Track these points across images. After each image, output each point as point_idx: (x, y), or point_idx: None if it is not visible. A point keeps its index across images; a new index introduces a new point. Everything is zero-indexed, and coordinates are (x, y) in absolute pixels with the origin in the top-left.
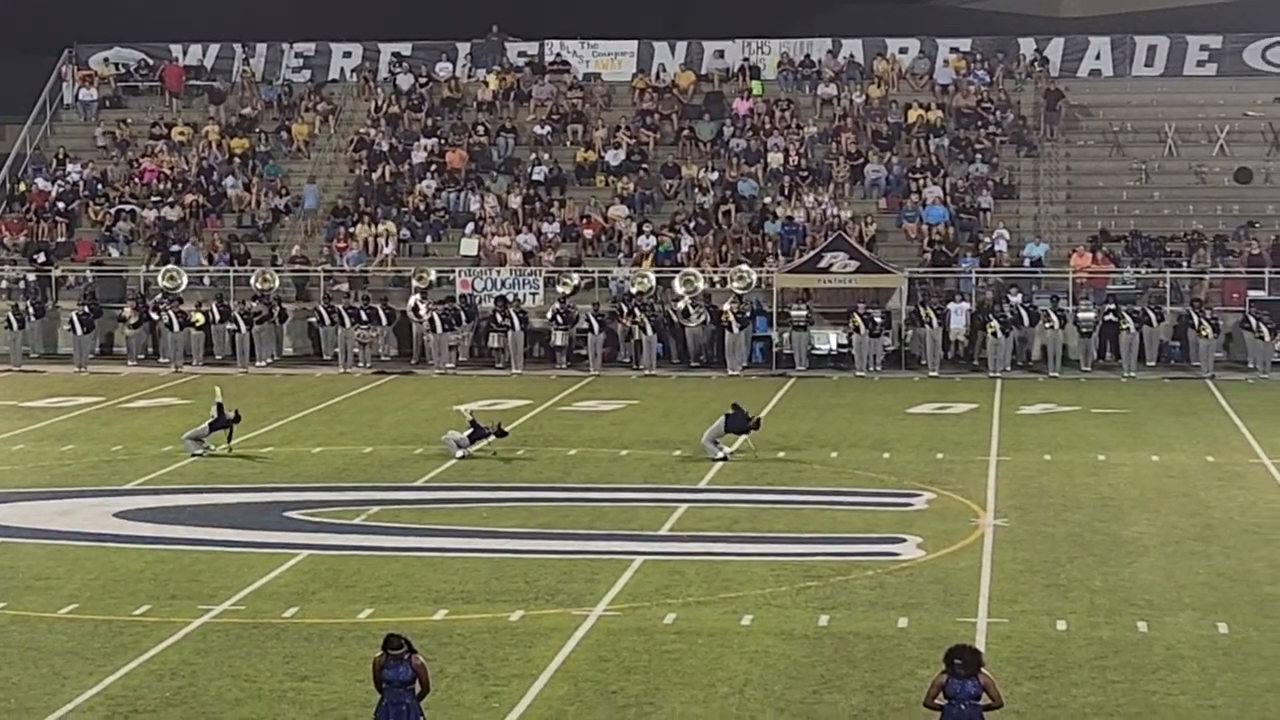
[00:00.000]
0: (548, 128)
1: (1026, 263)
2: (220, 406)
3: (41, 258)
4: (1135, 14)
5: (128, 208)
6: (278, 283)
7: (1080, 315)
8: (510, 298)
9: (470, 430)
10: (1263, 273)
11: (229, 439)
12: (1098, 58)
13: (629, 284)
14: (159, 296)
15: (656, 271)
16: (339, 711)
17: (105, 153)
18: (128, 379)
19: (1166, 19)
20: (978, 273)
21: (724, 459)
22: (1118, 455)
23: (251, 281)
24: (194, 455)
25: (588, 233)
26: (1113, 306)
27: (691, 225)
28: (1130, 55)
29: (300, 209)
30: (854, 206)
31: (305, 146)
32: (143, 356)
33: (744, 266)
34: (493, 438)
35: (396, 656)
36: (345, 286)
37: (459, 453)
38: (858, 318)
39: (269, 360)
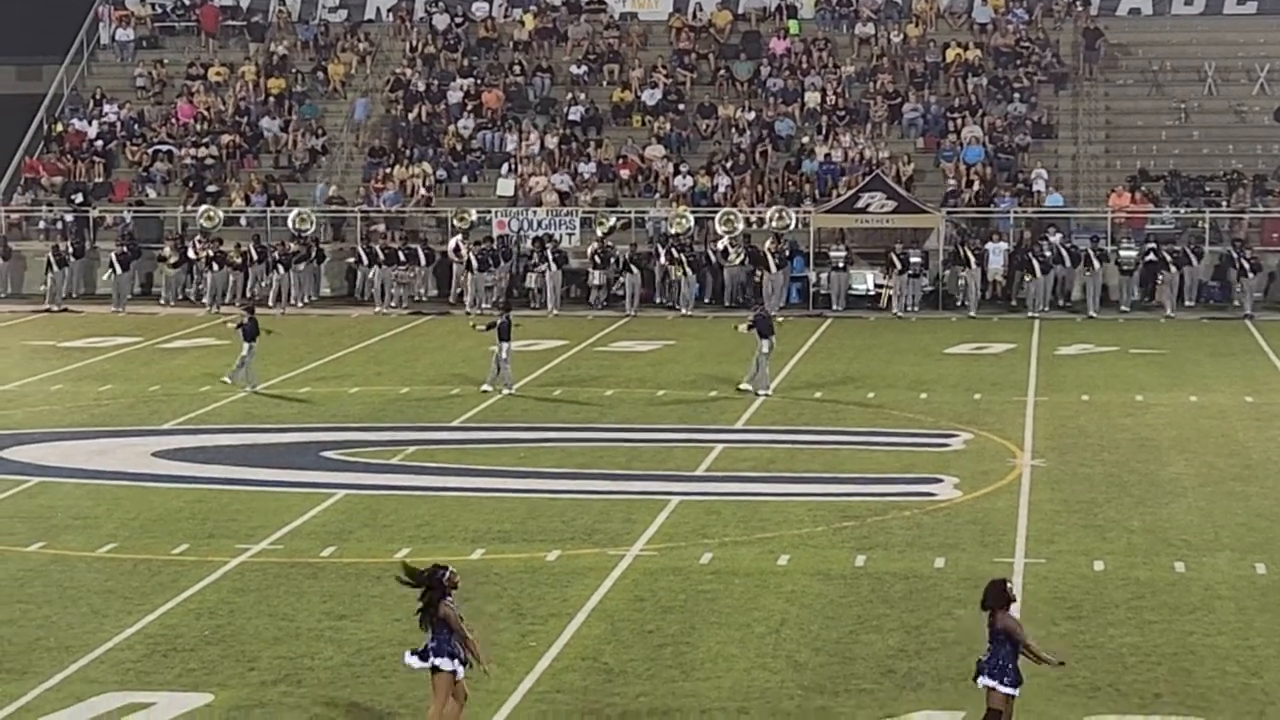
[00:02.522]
0: (584, 67)
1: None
2: (242, 324)
3: (79, 198)
4: None
5: (165, 148)
6: (314, 224)
7: (1122, 254)
8: (547, 238)
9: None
10: None
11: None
12: None
13: (667, 225)
14: (198, 236)
15: (694, 211)
16: (376, 650)
17: (142, 93)
18: (166, 319)
19: None
20: (1016, 213)
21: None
22: (1156, 396)
23: (289, 222)
24: (246, 388)
25: (624, 173)
26: (1153, 246)
27: (728, 165)
28: None
29: (350, 120)
30: (891, 146)
31: (342, 87)
32: (180, 297)
33: (786, 208)
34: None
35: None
36: (382, 227)
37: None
38: (895, 258)
39: (306, 301)
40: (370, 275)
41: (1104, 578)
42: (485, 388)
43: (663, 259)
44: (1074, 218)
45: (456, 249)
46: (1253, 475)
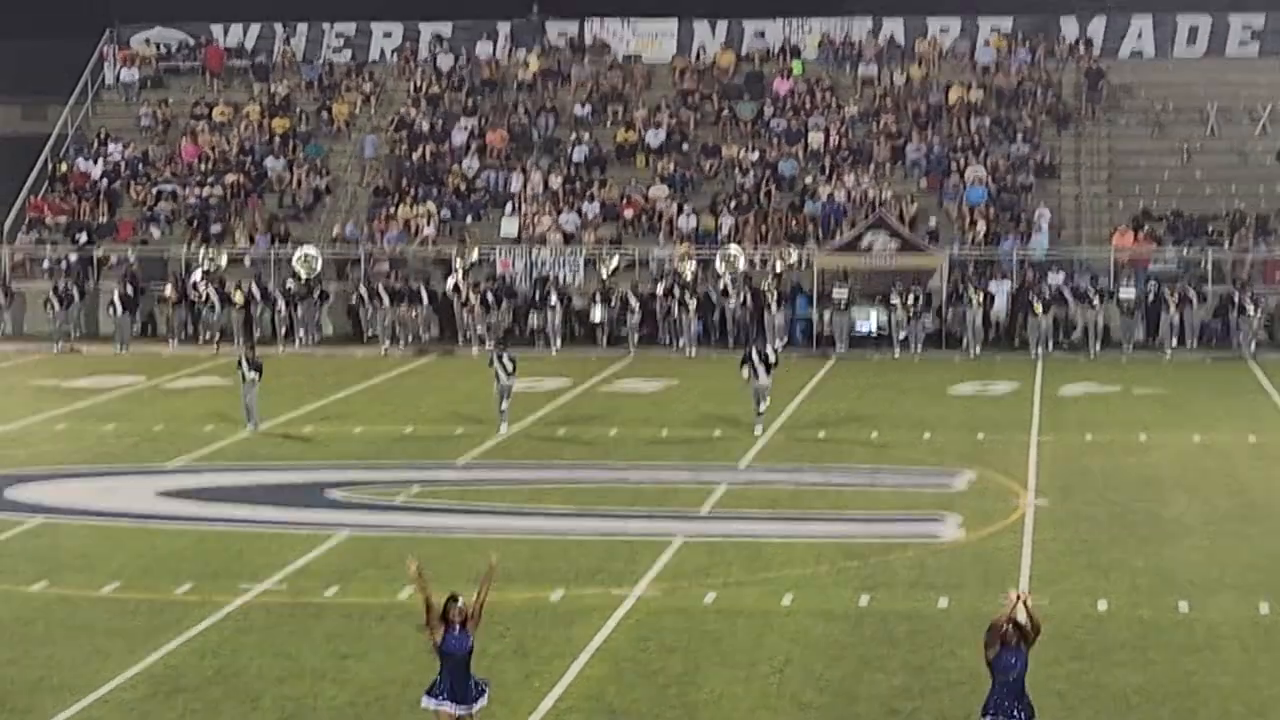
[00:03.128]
0: (588, 108)
1: (1037, 253)
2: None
3: (83, 238)
4: None
5: (169, 188)
6: (320, 264)
7: (1121, 294)
8: (550, 277)
9: None
10: None
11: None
12: (1139, 37)
13: (675, 266)
14: (199, 275)
15: (697, 250)
16: (380, 690)
17: (147, 133)
18: (169, 359)
19: None
20: (1027, 254)
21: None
22: (1159, 435)
23: (294, 263)
24: (249, 426)
25: (628, 213)
26: (1154, 286)
27: (732, 205)
28: (1172, 35)
29: (360, 156)
30: (894, 186)
31: (346, 126)
32: (183, 336)
33: (788, 247)
34: None
35: (462, 620)
36: (386, 267)
37: None
38: (898, 298)
39: (309, 340)
40: (374, 315)
41: (1108, 617)
42: (503, 428)
43: (671, 300)
44: (1077, 258)
45: (456, 287)
46: (1256, 515)
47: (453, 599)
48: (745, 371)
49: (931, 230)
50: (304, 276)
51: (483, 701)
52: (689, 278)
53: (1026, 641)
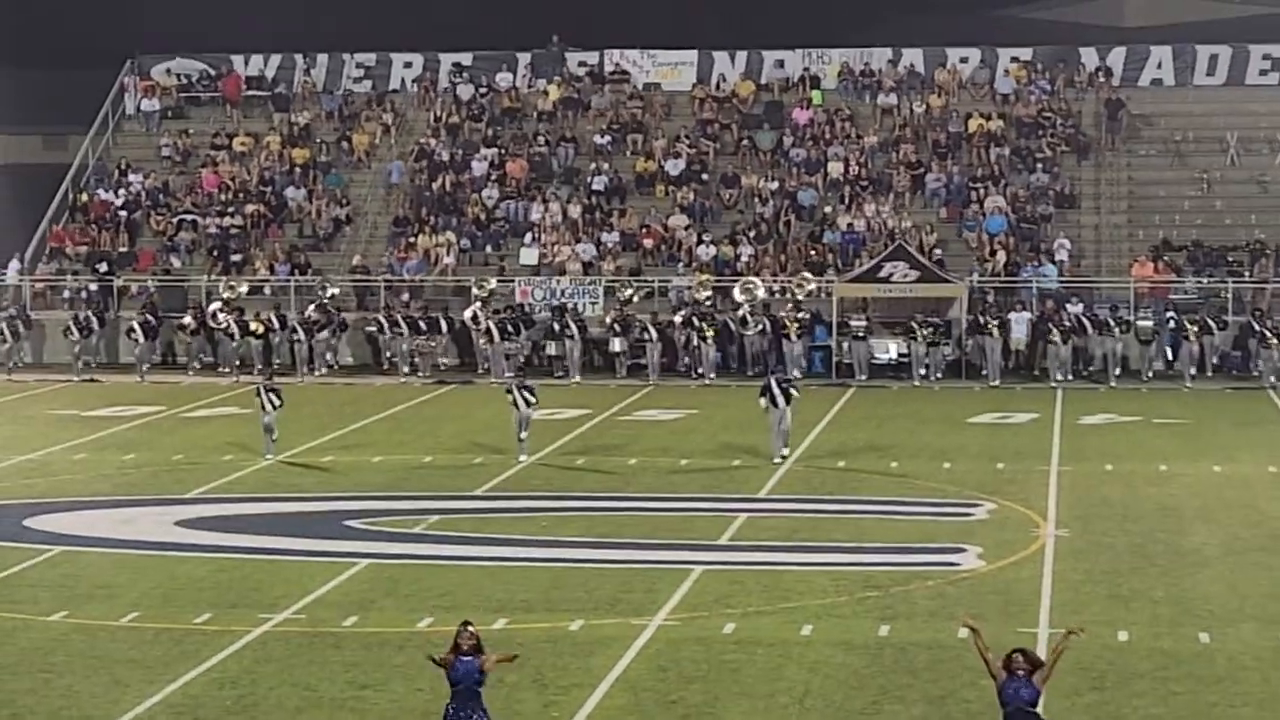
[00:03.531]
0: (608, 137)
1: (1046, 282)
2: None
3: (104, 267)
4: (1197, 23)
5: (189, 218)
6: (338, 290)
7: (1139, 324)
8: (569, 306)
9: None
10: None
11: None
12: (1159, 67)
13: (693, 292)
14: (219, 305)
15: (716, 281)
16: None
17: (167, 163)
18: (189, 388)
19: (1228, 28)
20: (1039, 283)
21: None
22: (1179, 465)
23: (316, 291)
24: (268, 456)
25: (647, 242)
26: (1173, 316)
27: (751, 235)
28: (1192, 65)
29: (385, 181)
30: (914, 216)
31: (366, 156)
32: (199, 365)
33: (806, 274)
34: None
35: (471, 644)
36: (405, 296)
37: None
38: (917, 327)
39: (328, 369)
40: (393, 344)
41: (1128, 648)
42: (522, 458)
43: (688, 328)
44: (1096, 288)
45: (474, 317)
46: (1277, 545)
47: (464, 625)
48: (764, 402)
49: (938, 260)
50: (331, 298)
51: None
52: (704, 300)
53: (1035, 670)
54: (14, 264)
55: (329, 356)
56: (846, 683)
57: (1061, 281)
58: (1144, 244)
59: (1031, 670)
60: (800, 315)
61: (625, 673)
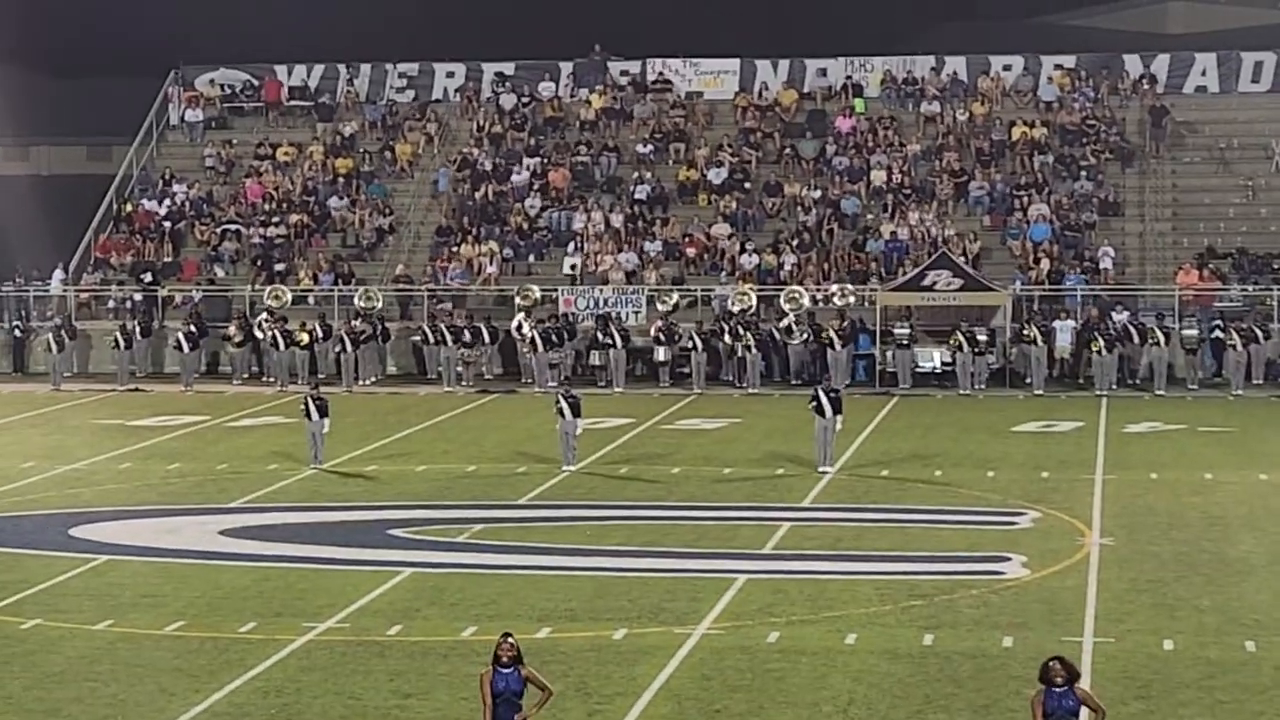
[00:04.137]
0: (650, 146)
1: (1074, 294)
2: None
3: (148, 277)
4: (1241, 30)
5: (233, 228)
6: (381, 302)
7: (1185, 333)
8: (612, 316)
9: None
10: None
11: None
12: (1203, 74)
13: (730, 303)
14: (264, 315)
15: (759, 290)
16: None
17: (211, 173)
18: (233, 398)
19: (1272, 34)
20: (1083, 291)
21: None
22: (1225, 474)
23: (355, 300)
24: (312, 466)
25: (690, 251)
26: (1219, 323)
27: (794, 244)
28: (1236, 71)
29: (434, 189)
30: (957, 224)
31: (409, 166)
32: (246, 375)
33: (842, 285)
34: None
35: (511, 655)
36: (449, 306)
37: None
38: (961, 336)
39: (373, 379)
40: (437, 353)
41: (1174, 657)
42: (566, 468)
43: (726, 337)
44: (1141, 295)
45: (519, 327)
46: None
47: (504, 636)
48: (815, 415)
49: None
50: (370, 310)
51: None
52: (740, 312)
53: (1073, 680)
54: (58, 274)
55: (374, 366)
56: (891, 692)
57: (1103, 289)
58: (1189, 251)
59: (1069, 680)
60: (844, 325)
61: (669, 682)
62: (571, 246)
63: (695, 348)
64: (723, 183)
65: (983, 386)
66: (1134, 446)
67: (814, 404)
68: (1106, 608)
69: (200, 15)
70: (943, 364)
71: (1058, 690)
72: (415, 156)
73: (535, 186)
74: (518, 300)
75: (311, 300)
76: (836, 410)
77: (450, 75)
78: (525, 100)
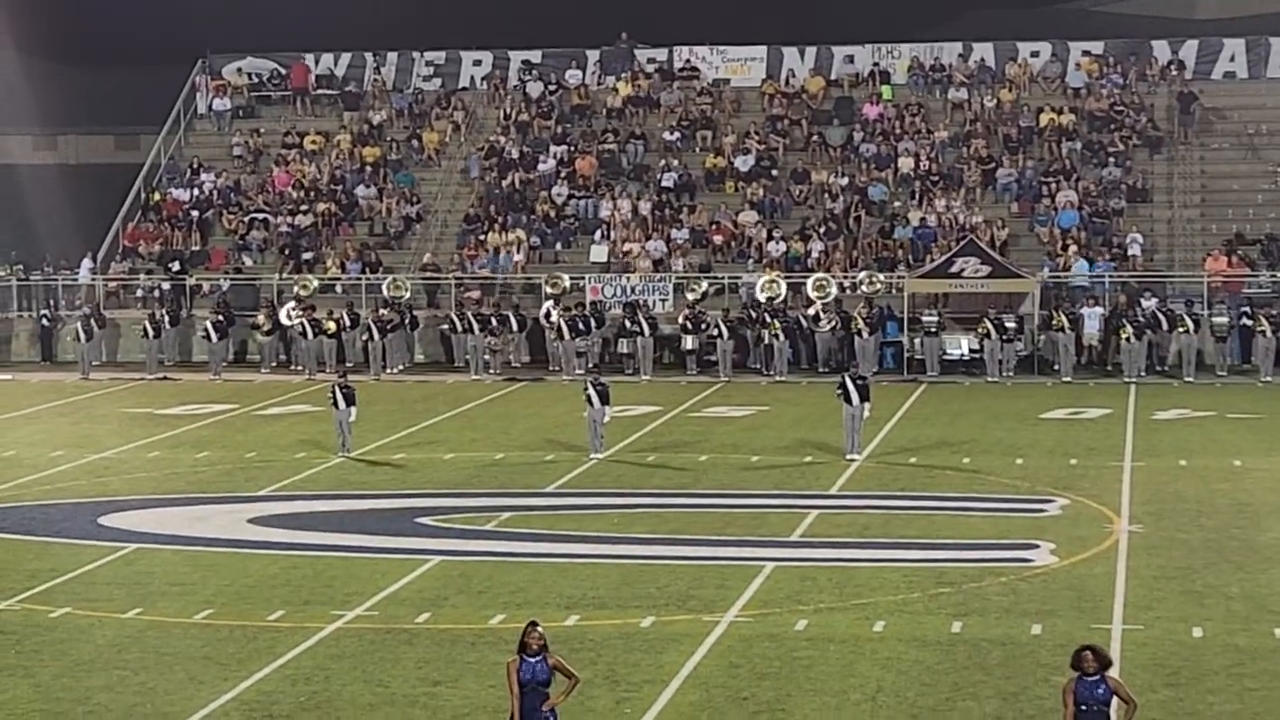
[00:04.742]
0: (677, 134)
1: (1074, 279)
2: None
3: (176, 266)
4: (1270, 15)
5: (261, 216)
6: (409, 292)
7: (1215, 320)
8: (640, 303)
9: None
10: None
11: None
12: (1232, 59)
13: (758, 290)
14: (291, 304)
15: (786, 277)
16: (471, 717)
17: (239, 162)
18: (261, 386)
19: None
20: (1111, 278)
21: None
22: (1254, 460)
23: (383, 289)
24: (340, 454)
25: (717, 239)
26: (1247, 310)
27: (821, 231)
28: (1265, 56)
29: (463, 177)
30: (985, 211)
31: (436, 154)
32: (274, 364)
33: (875, 272)
34: None
35: (539, 644)
36: (476, 294)
37: None
38: (989, 323)
39: (400, 368)
40: (464, 341)
41: (1203, 644)
42: (594, 456)
43: (754, 325)
44: (1170, 282)
45: (548, 315)
46: None
47: (532, 624)
48: (842, 402)
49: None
50: (398, 299)
51: None
52: (764, 297)
53: (1104, 669)
54: (86, 263)
55: (402, 354)
56: (919, 679)
57: (1131, 276)
58: (1217, 238)
59: (1101, 668)
60: (871, 312)
61: (697, 669)
62: (599, 234)
63: (722, 335)
64: (750, 170)
65: (1011, 373)
66: (1163, 433)
67: (840, 392)
68: (1135, 595)
69: (227, 4)
70: (971, 351)
71: (1089, 679)
72: (442, 145)
73: (562, 174)
74: (546, 288)
75: (339, 289)
76: (864, 398)
77: (477, 63)
78: (552, 88)
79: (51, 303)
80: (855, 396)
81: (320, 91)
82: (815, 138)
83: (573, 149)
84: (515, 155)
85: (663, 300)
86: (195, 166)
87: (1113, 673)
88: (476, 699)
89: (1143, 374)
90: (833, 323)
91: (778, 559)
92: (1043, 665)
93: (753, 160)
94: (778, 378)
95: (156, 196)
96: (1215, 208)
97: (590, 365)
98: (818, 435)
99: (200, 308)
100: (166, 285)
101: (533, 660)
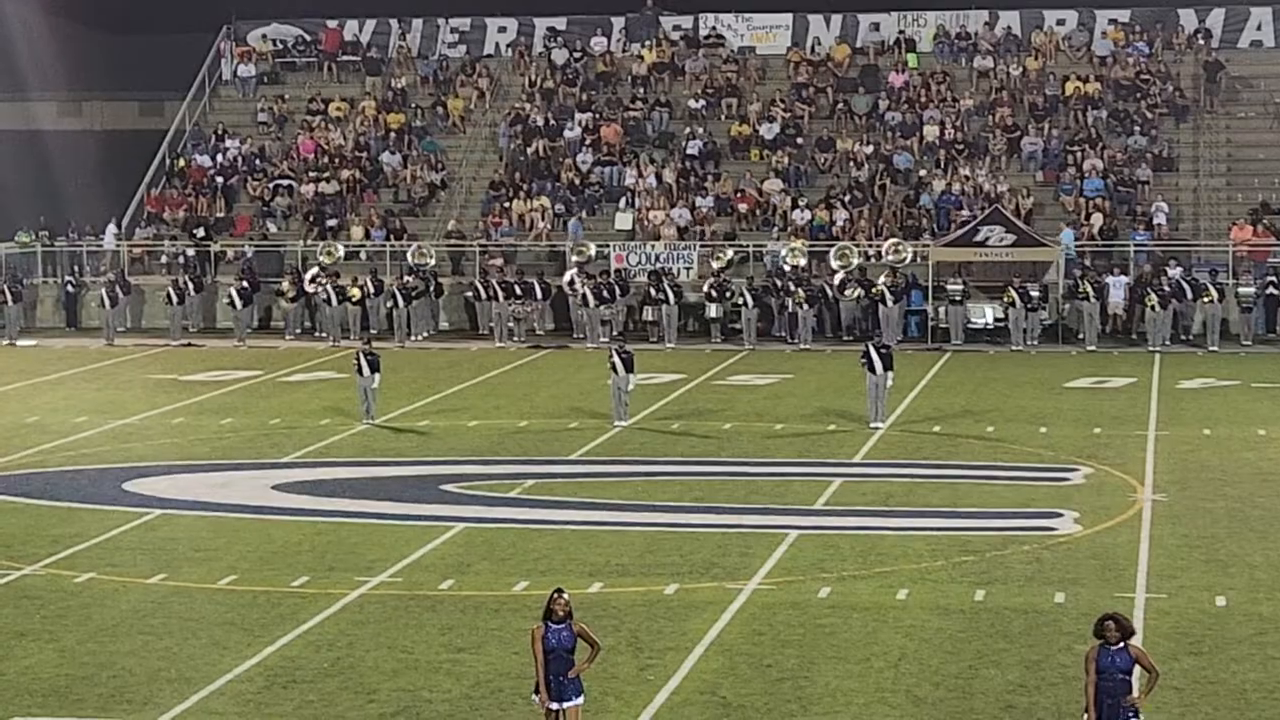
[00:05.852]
0: (702, 101)
1: (1068, 250)
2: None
3: (201, 233)
4: None
5: (285, 183)
6: (434, 258)
7: (1240, 290)
8: (664, 271)
9: None
10: None
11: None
12: (1259, 28)
13: (784, 259)
14: (316, 270)
15: (810, 245)
16: (495, 683)
17: (263, 128)
18: (286, 353)
19: None
20: (1136, 246)
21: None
22: (1278, 429)
23: (408, 256)
24: (365, 421)
25: (742, 207)
26: (1273, 279)
27: (846, 199)
28: None
29: (491, 145)
30: (1011, 179)
31: (461, 121)
32: (299, 331)
33: (900, 240)
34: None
35: (565, 609)
36: (500, 261)
37: None
38: (1014, 291)
39: (425, 335)
40: (488, 309)
41: (1226, 613)
42: (618, 424)
43: (778, 293)
44: (1195, 251)
45: (572, 282)
46: None
47: (558, 591)
48: (866, 370)
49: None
50: (422, 267)
51: (576, 701)
52: (788, 265)
53: (1127, 637)
54: (111, 229)
55: (427, 322)
56: (942, 647)
57: (1156, 245)
58: (1243, 207)
59: (1123, 637)
60: (896, 280)
61: (720, 636)
62: (623, 202)
63: (747, 303)
64: (775, 138)
65: (1035, 342)
66: (1187, 402)
67: (864, 360)
68: (1159, 564)
69: None
70: (995, 320)
71: (1112, 647)
72: (467, 112)
73: (587, 142)
74: (572, 256)
75: (363, 255)
76: (887, 366)
77: (502, 30)
78: (577, 55)
79: (76, 269)
80: (879, 365)
81: (345, 58)
82: (840, 106)
83: (598, 116)
84: (540, 123)
85: (687, 268)
86: (220, 133)
87: (1135, 641)
88: (500, 665)
89: (1167, 343)
90: (856, 291)
91: (801, 527)
92: (1065, 634)
93: (778, 128)
94: (802, 346)
95: (181, 163)
96: (1241, 177)
97: (615, 333)
98: (842, 403)
99: (225, 274)
100: (191, 251)
101: (558, 627)
